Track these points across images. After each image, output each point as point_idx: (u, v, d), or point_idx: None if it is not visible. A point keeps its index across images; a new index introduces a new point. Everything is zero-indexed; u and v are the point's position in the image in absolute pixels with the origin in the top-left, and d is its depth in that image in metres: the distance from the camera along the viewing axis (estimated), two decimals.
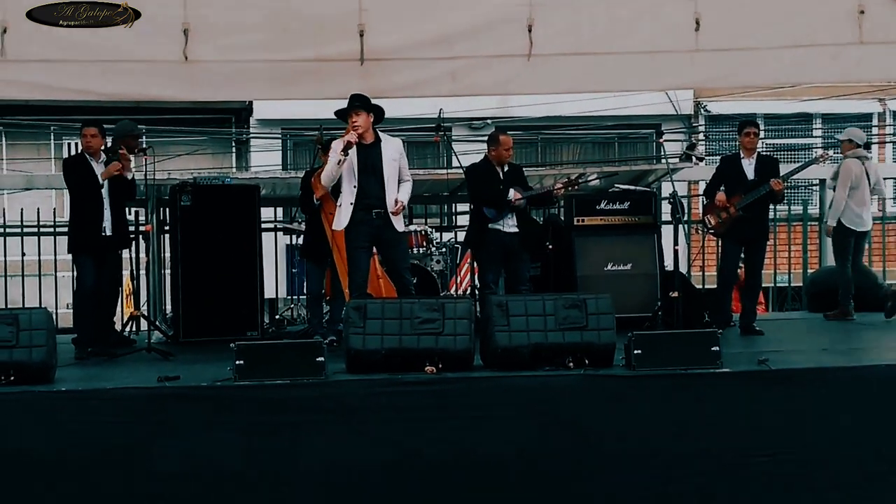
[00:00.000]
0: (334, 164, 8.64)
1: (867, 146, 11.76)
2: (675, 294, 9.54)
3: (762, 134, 10.73)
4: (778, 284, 13.63)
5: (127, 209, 9.66)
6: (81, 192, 9.22)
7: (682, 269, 10.82)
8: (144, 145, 10.55)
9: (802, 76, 11.30)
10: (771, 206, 10.51)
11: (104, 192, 9.15)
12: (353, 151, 8.62)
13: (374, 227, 8.73)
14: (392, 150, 8.82)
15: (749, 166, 10.12)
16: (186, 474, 7.06)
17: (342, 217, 8.76)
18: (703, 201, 10.73)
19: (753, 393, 7.49)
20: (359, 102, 8.70)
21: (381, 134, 8.87)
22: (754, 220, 10.11)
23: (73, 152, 15.17)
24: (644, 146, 20.13)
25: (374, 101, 8.83)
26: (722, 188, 10.23)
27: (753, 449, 7.40)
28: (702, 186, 11.28)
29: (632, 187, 11.33)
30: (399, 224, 8.82)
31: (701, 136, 19.73)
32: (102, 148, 9.35)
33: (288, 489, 7.16)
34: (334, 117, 8.94)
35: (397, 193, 8.80)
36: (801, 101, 19.37)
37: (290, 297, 13.76)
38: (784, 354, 8.53)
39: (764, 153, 10.50)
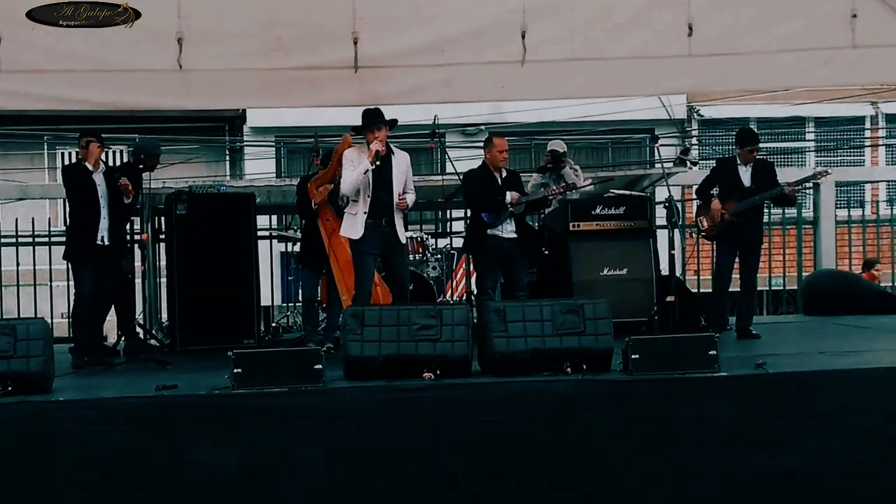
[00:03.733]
0: (360, 173, 8.79)
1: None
2: (672, 298, 9.55)
3: None
4: (773, 288, 13.64)
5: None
6: (79, 199, 9.21)
7: (678, 273, 10.83)
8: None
9: (795, 80, 11.33)
10: (765, 210, 10.53)
11: (103, 200, 9.16)
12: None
13: (384, 234, 8.95)
14: (402, 163, 9.11)
15: (745, 173, 10.14)
16: (185, 483, 7.04)
17: (356, 226, 8.90)
18: (696, 203, 10.73)
19: (751, 396, 7.49)
20: (378, 118, 8.91)
21: (392, 147, 9.05)
22: (749, 225, 10.12)
23: (66, 161, 15.15)
24: (637, 151, 20.16)
25: (372, 109, 8.97)
26: (716, 191, 10.25)
27: (751, 452, 7.39)
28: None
29: (626, 192, 11.34)
30: (402, 235, 9.10)
31: (694, 140, 19.76)
32: (108, 167, 9.30)
33: (286, 497, 7.14)
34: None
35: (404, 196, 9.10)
36: (793, 104, 19.42)
37: (285, 305, 13.76)
38: (781, 358, 8.53)
39: (759, 157, 10.51)
